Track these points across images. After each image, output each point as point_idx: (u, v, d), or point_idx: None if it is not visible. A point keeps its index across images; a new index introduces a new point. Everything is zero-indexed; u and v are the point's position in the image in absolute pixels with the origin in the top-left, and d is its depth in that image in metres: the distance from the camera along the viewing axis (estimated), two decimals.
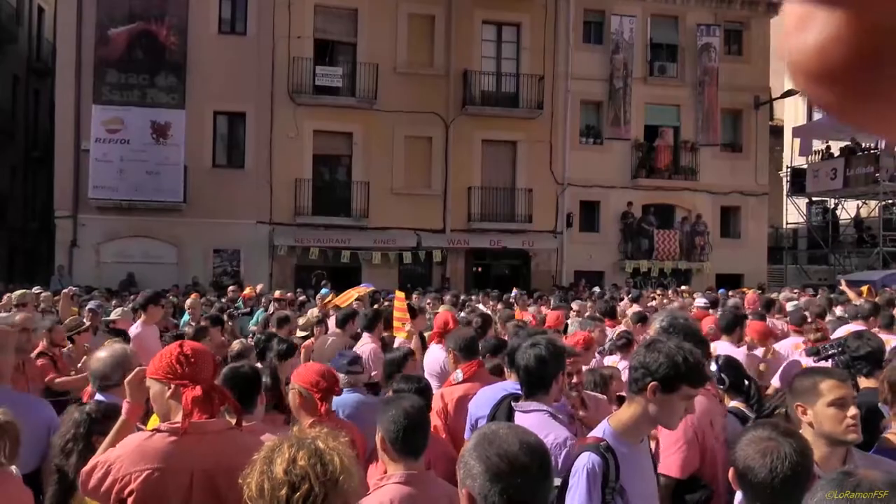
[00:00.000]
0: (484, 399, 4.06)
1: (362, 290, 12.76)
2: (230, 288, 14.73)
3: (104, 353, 4.01)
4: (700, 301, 11.86)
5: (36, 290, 11.58)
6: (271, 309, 10.82)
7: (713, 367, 4.17)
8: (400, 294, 9.39)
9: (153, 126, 20.94)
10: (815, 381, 2.76)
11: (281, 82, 21.74)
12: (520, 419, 3.47)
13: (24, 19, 27.99)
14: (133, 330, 7.25)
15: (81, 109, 20.79)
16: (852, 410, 2.68)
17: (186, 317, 10.18)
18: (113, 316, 8.40)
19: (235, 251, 21.77)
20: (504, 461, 1.81)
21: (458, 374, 4.65)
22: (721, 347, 6.18)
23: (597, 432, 2.78)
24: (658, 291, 17.17)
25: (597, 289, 19.00)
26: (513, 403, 3.63)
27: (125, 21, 20.96)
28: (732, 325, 6.58)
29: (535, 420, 3.40)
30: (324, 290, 14.24)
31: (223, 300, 13.25)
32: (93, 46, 20.83)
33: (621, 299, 14.11)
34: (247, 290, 14.25)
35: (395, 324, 8.32)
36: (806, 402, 2.78)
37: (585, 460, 2.62)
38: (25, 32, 28.17)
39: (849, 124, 0.32)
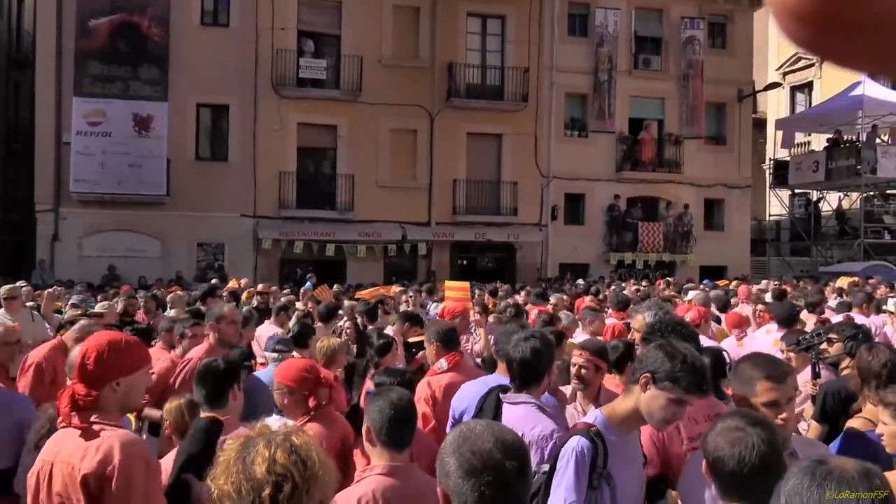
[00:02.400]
0: (467, 393, 4.06)
1: (395, 288, 12.84)
2: (213, 281, 14.62)
3: None
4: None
5: (20, 284, 11.43)
6: (254, 302, 10.75)
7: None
8: (460, 284, 9.11)
9: (135, 118, 20.72)
10: (753, 378, 2.78)
11: (265, 74, 21.60)
12: (508, 411, 3.49)
13: (3, 10, 27.58)
14: None
15: (62, 102, 20.51)
16: (784, 413, 2.70)
17: (170, 311, 10.09)
18: (98, 309, 8.28)
19: (219, 245, 21.63)
20: (477, 458, 1.78)
21: (443, 363, 4.71)
22: None
23: (588, 418, 2.83)
24: (644, 283, 17.17)
25: (580, 281, 19.05)
26: (501, 395, 3.63)
27: (106, 12, 20.69)
28: (791, 317, 6.57)
29: (523, 412, 3.43)
30: (307, 285, 14.20)
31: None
32: (73, 38, 20.54)
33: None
34: (231, 284, 14.15)
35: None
36: (743, 393, 2.82)
37: (575, 444, 2.66)
38: (5, 24, 27.76)
39: (830, 61, 0.31)
